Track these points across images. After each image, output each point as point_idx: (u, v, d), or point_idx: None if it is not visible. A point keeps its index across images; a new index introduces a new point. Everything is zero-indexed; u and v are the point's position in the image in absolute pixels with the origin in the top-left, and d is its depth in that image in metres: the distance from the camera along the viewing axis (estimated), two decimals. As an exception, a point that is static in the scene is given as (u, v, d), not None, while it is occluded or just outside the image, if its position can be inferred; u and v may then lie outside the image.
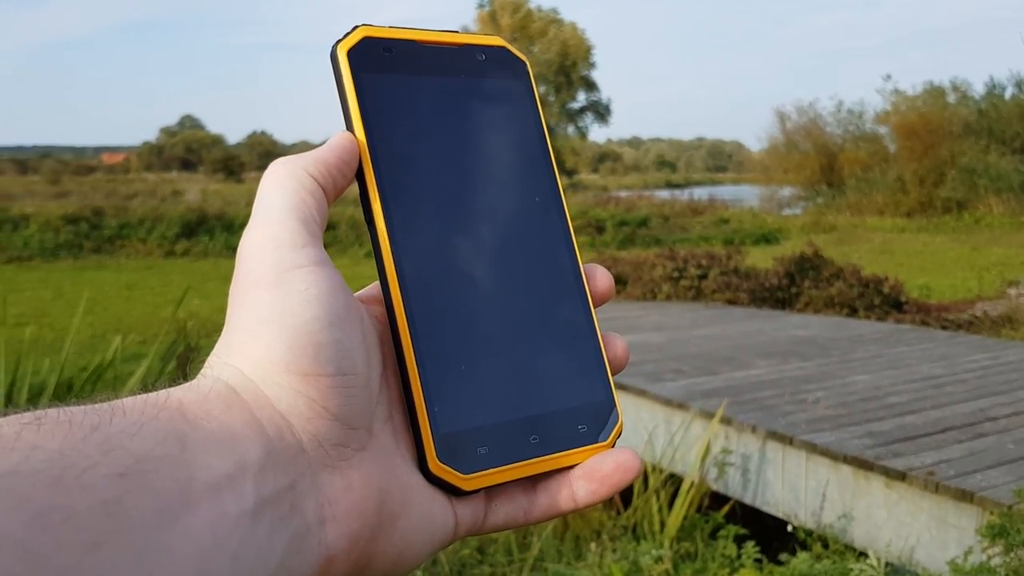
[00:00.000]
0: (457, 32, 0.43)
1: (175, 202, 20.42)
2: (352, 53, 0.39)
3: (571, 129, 40.48)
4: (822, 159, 27.10)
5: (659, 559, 3.13)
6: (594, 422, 0.41)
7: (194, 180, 36.12)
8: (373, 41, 0.40)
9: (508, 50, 0.43)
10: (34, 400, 5.00)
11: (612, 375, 0.43)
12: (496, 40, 0.44)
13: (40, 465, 0.26)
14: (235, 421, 0.32)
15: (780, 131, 29.77)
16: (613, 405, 0.42)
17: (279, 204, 0.37)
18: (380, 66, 0.40)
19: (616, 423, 0.42)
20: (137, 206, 18.91)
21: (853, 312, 7.95)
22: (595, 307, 0.43)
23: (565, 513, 0.41)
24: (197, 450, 0.30)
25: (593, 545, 3.39)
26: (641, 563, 3.12)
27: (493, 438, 0.38)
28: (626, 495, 3.98)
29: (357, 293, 0.41)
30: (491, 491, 0.39)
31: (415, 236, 0.39)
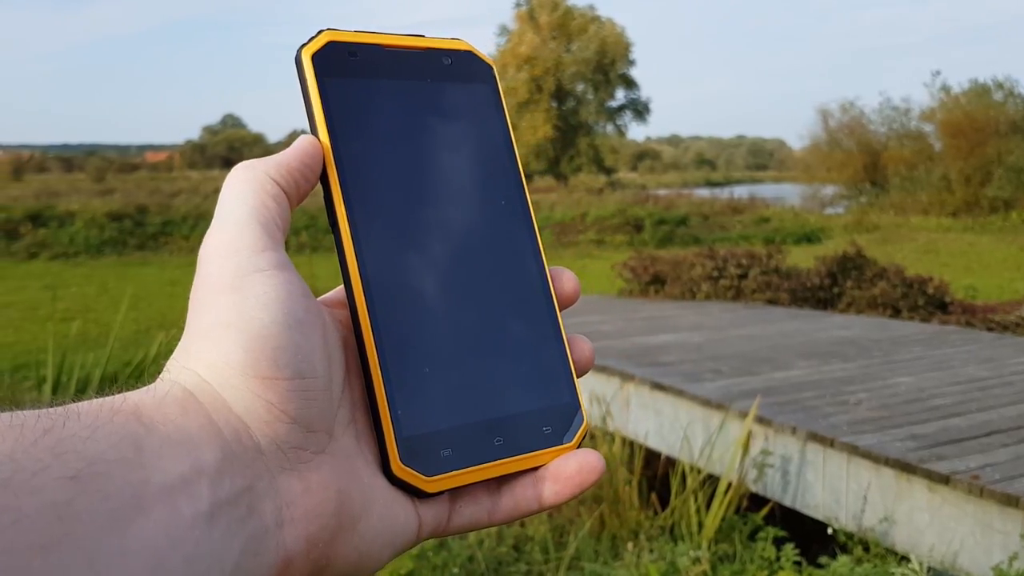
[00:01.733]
0: (424, 36, 0.43)
1: (217, 200, 20.63)
2: (316, 57, 0.39)
3: (609, 127, 40.31)
4: (865, 157, 26.75)
5: (697, 560, 3.11)
6: (559, 424, 0.41)
7: (236, 178, 36.35)
8: (338, 45, 0.40)
9: (474, 54, 0.44)
10: (80, 394, 5.10)
11: (577, 377, 0.43)
12: (463, 44, 0.44)
13: None
14: (191, 424, 0.32)
15: (823, 129, 29.45)
16: (578, 407, 0.42)
17: (240, 208, 0.37)
18: (345, 70, 0.40)
19: (581, 424, 0.42)
20: (180, 204, 19.19)
21: (896, 313, 7.83)
22: (561, 310, 0.44)
23: (530, 514, 0.41)
24: (152, 453, 0.30)
25: (630, 545, 3.38)
26: (679, 564, 3.10)
27: (456, 440, 0.38)
28: (664, 495, 3.96)
29: (321, 297, 0.41)
30: (455, 492, 0.39)
31: (379, 240, 0.39)
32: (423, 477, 0.37)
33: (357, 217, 0.38)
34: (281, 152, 0.39)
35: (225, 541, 0.31)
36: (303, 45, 0.39)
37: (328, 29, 0.40)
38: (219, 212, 0.38)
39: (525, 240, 0.43)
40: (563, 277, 0.45)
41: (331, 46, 0.40)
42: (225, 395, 0.34)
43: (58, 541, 0.26)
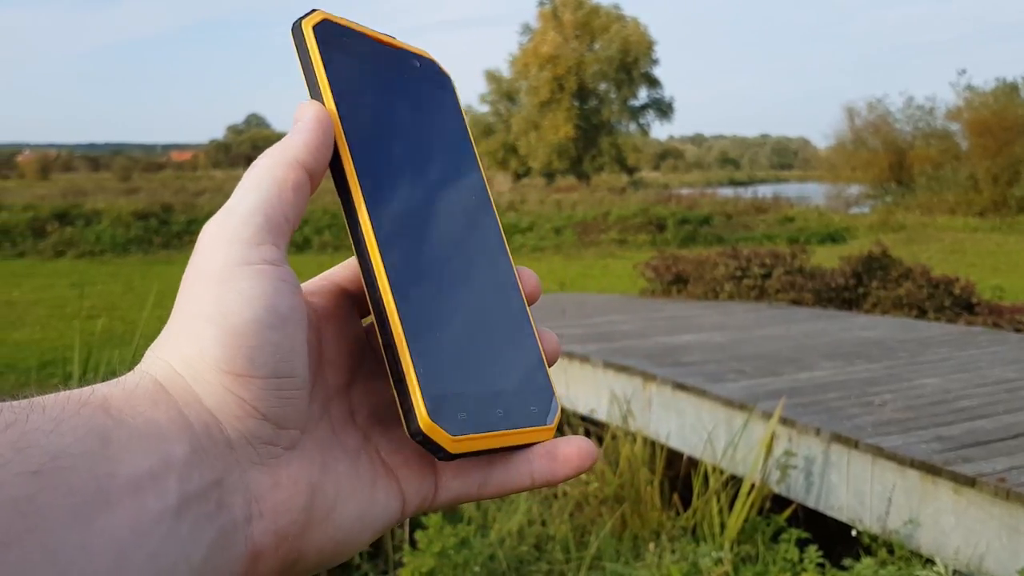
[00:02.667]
0: (394, 38, 0.44)
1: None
2: (316, 29, 0.40)
3: (632, 126, 40.21)
4: (891, 156, 26.55)
5: (719, 561, 3.10)
6: (541, 405, 0.42)
7: (260, 177, 36.64)
8: (332, 24, 0.41)
9: (437, 64, 0.46)
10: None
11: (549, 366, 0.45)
12: (426, 53, 0.45)
13: None
14: (161, 417, 0.32)
15: (848, 128, 29.27)
16: (553, 392, 0.43)
17: (251, 197, 0.36)
18: (339, 47, 0.40)
19: (557, 409, 0.43)
20: (204, 202, 19.34)
21: (922, 313, 7.76)
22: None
23: (520, 490, 0.41)
24: (120, 446, 0.30)
25: (652, 545, 3.37)
26: (701, 565, 3.09)
27: (470, 406, 0.38)
28: (686, 496, 3.95)
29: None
30: (441, 464, 0.40)
31: (387, 211, 0.39)
32: (448, 436, 0.37)
33: (366, 185, 0.39)
34: (300, 128, 0.38)
35: (193, 536, 0.31)
36: (301, 18, 0.40)
37: (321, 9, 0.41)
38: (231, 198, 0.37)
39: (496, 234, 0.45)
40: (523, 274, 0.46)
41: (326, 23, 0.40)
42: (197, 389, 0.33)
43: (19, 537, 0.26)
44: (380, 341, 0.38)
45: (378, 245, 0.38)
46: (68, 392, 0.31)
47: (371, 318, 0.40)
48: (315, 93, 0.39)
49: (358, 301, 0.43)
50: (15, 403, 0.30)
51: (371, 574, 3.43)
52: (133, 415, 0.31)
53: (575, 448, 0.41)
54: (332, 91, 0.39)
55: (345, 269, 0.43)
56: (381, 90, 0.42)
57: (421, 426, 0.36)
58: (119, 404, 0.31)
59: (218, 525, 0.32)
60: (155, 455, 0.30)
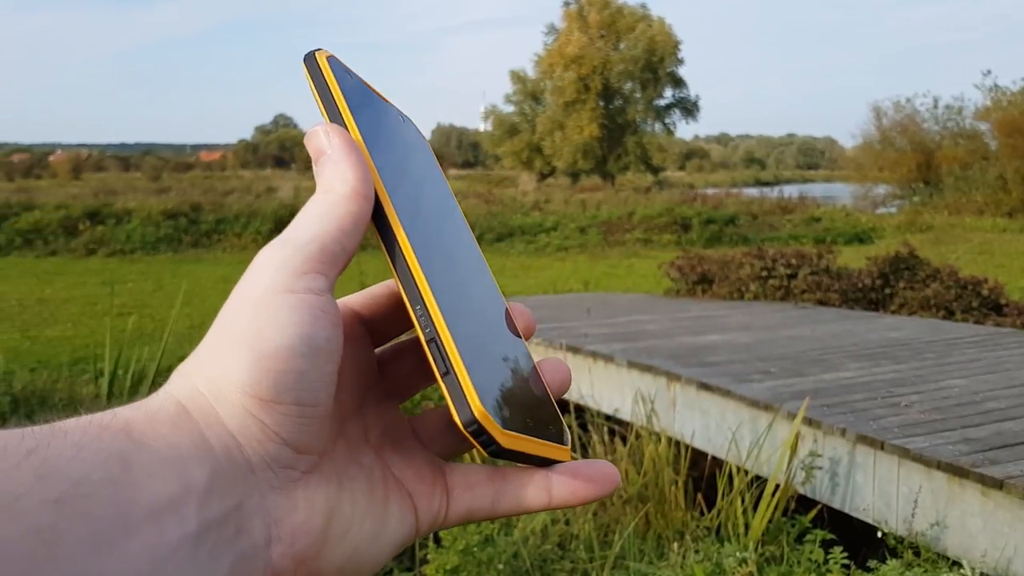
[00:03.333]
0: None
1: (269, 198, 20.99)
2: (330, 61, 0.41)
3: (657, 126, 40.07)
4: (919, 156, 26.28)
5: (743, 561, 3.10)
6: (556, 426, 0.42)
7: (287, 177, 36.98)
8: (337, 61, 0.42)
9: (412, 121, 0.48)
10: (136, 386, 5.22)
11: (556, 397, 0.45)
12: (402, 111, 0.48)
13: None
14: (183, 441, 0.32)
15: (875, 128, 29.00)
16: (560, 416, 0.43)
17: (312, 227, 0.36)
18: (345, 80, 0.42)
19: (568, 434, 0.43)
20: (233, 202, 19.50)
21: (950, 314, 7.69)
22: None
23: (536, 509, 0.40)
24: (141, 471, 0.30)
25: (676, 545, 3.37)
26: (724, 565, 3.09)
27: (508, 406, 0.39)
28: (710, 496, 3.94)
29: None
30: (452, 480, 0.40)
31: (412, 228, 0.40)
32: (500, 428, 0.37)
33: (398, 206, 0.40)
34: (340, 156, 0.38)
35: (212, 561, 0.31)
36: (312, 51, 0.42)
37: (325, 48, 0.43)
38: (290, 227, 0.37)
39: (481, 258, 0.46)
40: (516, 310, 0.45)
41: (334, 58, 0.42)
42: (220, 410, 0.33)
43: (40, 567, 0.26)
44: (423, 338, 0.38)
45: (415, 254, 0.39)
46: (90, 416, 0.31)
47: (382, 347, 0.41)
48: (334, 117, 0.40)
49: (370, 327, 0.43)
50: (37, 428, 0.30)
51: (396, 571, 3.46)
52: (155, 438, 0.31)
53: (598, 471, 0.40)
54: (352, 116, 0.40)
55: (361, 297, 0.43)
56: (380, 121, 0.43)
57: (475, 414, 0.36)
58: (141, 427, 0.31)
59: (237, 550, 0.32)
60: (176, 480, 0.30)
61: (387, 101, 0.46)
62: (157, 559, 0.29)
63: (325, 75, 0.41)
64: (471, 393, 0.37)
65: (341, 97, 0.40)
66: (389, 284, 0.43)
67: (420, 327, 0.39)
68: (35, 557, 0.26)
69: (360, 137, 0.40)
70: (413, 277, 0.39)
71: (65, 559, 0.27)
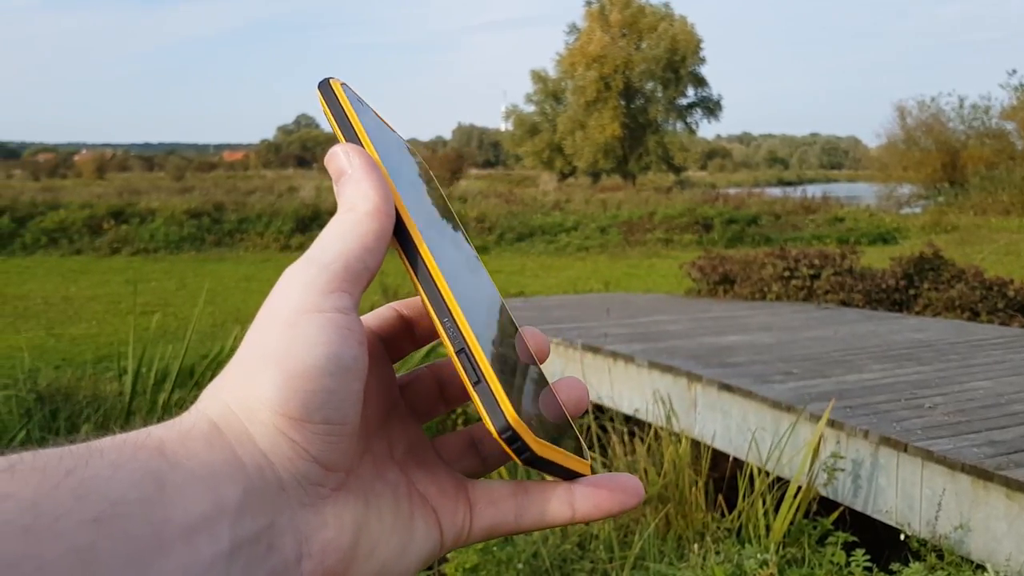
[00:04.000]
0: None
1: (291, 198, 21.09)
2: (343, 87, 0.42)
3: (679, 125, 39.93)
4: (944, 156, 26.04)
5: (764, 563, 3.08)
6: (575, 441, 0.42)
7: (309, 177, 37.13)
8: (349, 88, 0.43)
9: (404, 140, 0.49)
10: (159, 384, 5.26)
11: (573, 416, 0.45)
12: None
13: (11, 515, 0.27)
14: (216, 460, 0.32)
15: (899, 127, 28.75)
16: (576, 431, 0.43)
17: (335, 247, 0.37)
18: (357, 106, 0.42)
19: (587, 450, 0.43)
20: (255, 202, 19.63)
21: (975, 316, 7.61)
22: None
23: (560, 523, 0.40)
24: (175, 490, 0.30)
25: (696, 546, 3.36)
26: (745, 567, 3.07)
27: (535, 419, 0.39)
28: (731, 497, 3.92)
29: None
30: (475, 496, 0.41)
31: (433, 243, 0.41)
32: (532, 435, 0.37)
33: (416, 219, 0.41)
34: (361, 175, 0.39)
35: None
36: (326, 79, 0.42)
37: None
38: (314, 246, 0.38)
39: (487, 275, 0.47)
40: (528, 334, 0.45)
41: (346, 86, 0.43)
42: (251, 429, 0.34)
43: None
44: (451, 350, 0.39)
45: (440, 268, 0.40)
46: (124, 435, 0.32)
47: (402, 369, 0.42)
48: (351, 139, 0.41)
49: (389, 346, 0.44)
50: (74, 448, 0.30)
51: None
52: (188, 457, 0.32)
53: (621, 483, 0.40)
54: (369, 137, 0.41)
55: (375, 318, 0.44)
56: (391, 145, 0.44)
57: (510, 421, 0.36)
58: (174, 446, 0.32)
59: (269, 567, 0.32)
60: (209, 499, 0.31)
61: (393, 129, 0.47)
62: None
63: (340, 100, 0.41)
64: (504, 400, 0.37)
65: (357, 120, 0.41)
66: (393, 306, 0.44)
67: (449, 338, 0.39)
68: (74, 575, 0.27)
69: (378, 157, 0.41)
70: (439, 290, 0.39)
71: None
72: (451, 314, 0.39)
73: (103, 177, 39.28)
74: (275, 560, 0.33)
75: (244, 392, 0.34)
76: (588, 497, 0.40)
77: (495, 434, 0.37)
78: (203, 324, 7.24)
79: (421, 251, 0.40)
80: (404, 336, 0.44)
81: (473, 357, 0.38)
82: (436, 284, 0.39)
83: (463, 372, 0.38)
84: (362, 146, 0.40)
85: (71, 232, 17.47)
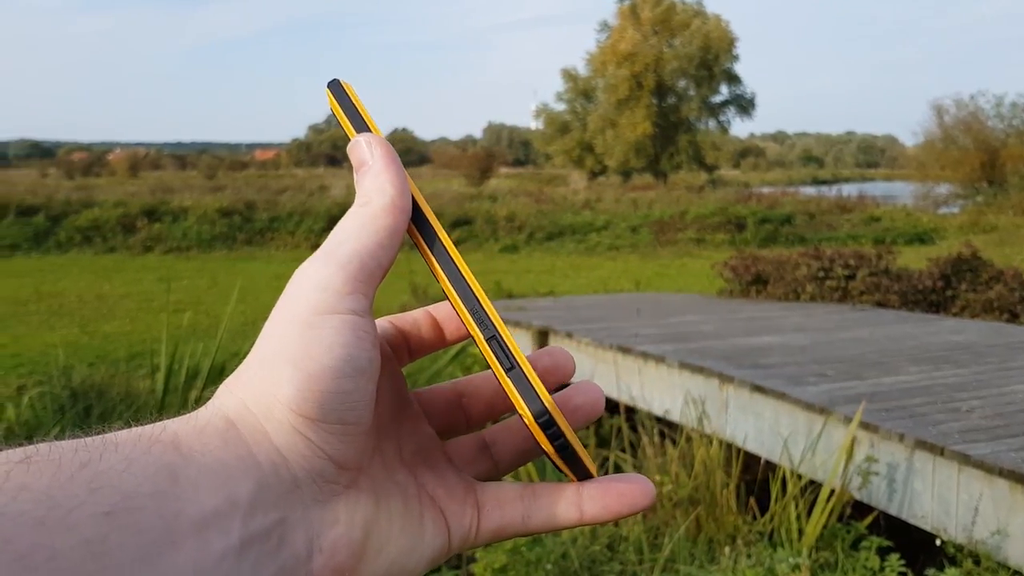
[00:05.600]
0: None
1: (321, 197, 21.25)
2: (350, 89, 0.43)
3: (712, 124, 39.68)
4: (983, 155, 25.68)
5: (796, 567, 3.04)
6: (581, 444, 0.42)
7: (340, 176, 37.38)
8: (353, 91, 0.43)
9: None
10: (191, 381, 5.30)
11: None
12: None
13: (26, 506, 0.27)
14: (230, 456, 0.33)
15: (937, 125, 28.40)
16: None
17: (349, 245, 0.37)
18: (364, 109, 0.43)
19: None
20: (286, 200, 19.78)
21: (1014, 317, 7.49)
22: (557, 385, 0.45)
23: (568, 526, 0.40)
24: (188, 484, 0.31)
25: (727, 549, 3.32)
26: (777, 570, 3.03)
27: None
28: (763, 500, 3.88)
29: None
30: (483, 498, 0.41)
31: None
32: (565, 421, 0.37)
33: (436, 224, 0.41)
34: (381, 167, 0.39)
35: (254, 573, 0.32)
36: (334, 79, 0.43)
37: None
38: (328, 242, 0.38)
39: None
40: (555, 352, 0.44)
41: (351, 88, 0.43)
42: (267, 427, 0.34)
43: None
44: (482, 338, 0.39)
45: (463, 263, 0.40)
46: (140, 429, 0.32)
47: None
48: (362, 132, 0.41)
49: (397, 350, 0.44)
50: (90, 440, 0.31)
51: (444, 568, 3.46)
52: (203, 452, 0.32)
53: (632, 484, 0.40)
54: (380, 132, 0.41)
55: (381, 323, 0.44)
56: None
57: (546, 405, 0.37)
58: (189, 441, 0.32)
59: (279, 562, 0.33)
60: (221, 494, 0.31)
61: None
62: (201, 570, 0.30)
63: (351, 96, 0.42)
64: (539, 385, 0.37)
65: (369, 116, 0.42)
66: (389, 318, 0.44)
67: (477, 326, 0.39)
68: (86, 567, 0.27)
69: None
70: (466, 280, 0.39)
71: (114, 570, 0.28)
72: (479, 302, 0.39)
73: (136, 176, 39.76)
74: (286, 555, 0.33)
75: (261, 390, 0.35)
76: (596, 499, 0.39)
77: (530, 419, 0.37)
78: (234, 322, 7.28)
79: (444, 242, 0.40)
80: (401, 348, 0.44)
81: (504, 343, 0.38)
82: (461, 273, 0.40)
83: (494, 359, 0.38)
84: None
85: (105, 230, 17.71)
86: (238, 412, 0.35)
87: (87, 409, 4.89)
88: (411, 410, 0.43)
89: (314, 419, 0.34)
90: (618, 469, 4.25)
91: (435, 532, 0.39)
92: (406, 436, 0.42)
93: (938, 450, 3.50)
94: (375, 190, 0.38)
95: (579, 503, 0.40)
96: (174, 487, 0.30)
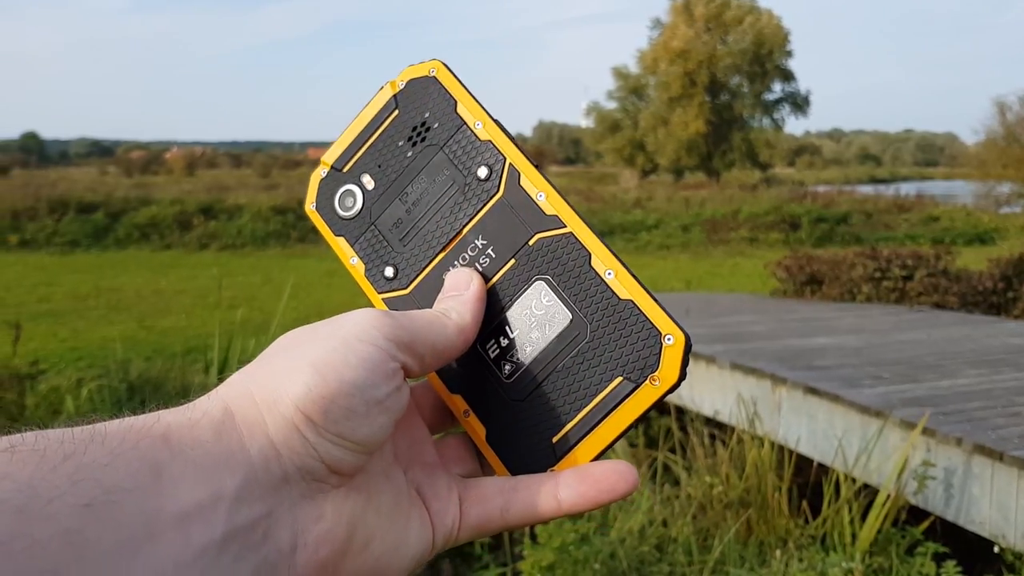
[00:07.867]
0: None
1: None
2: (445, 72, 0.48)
3: (766, 121, 39.17)
4: (1046, 153, 24.98)
5: (849, 572, 2.99)
6: None
7: (392, 173, 37.58)
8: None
9: None
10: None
11: None
12: None
13: (7, 495, 0.27)
14: (220, 449, 0.33)
15: (999, 123, 27.72)
16: None
17: (416, 324, 0.39)
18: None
19: None
20: (339, 198, 19.95)
21: (1079, 320, 7.28)
22: None
23: (547, 517, 0.40)
24: (172, 480, 0.31)
25: (778, 552, 3.28)
26: (829, 574, 2.99)
27: None
28: (815, 503, 3.82)
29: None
30: (465, 495, 0.42)
31: None
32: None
33: None
34: (472, 303, 0.43)
35: (234, 565, 0.32)
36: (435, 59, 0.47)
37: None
38: (406, 312, 0.41)
39: None
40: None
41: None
42: (267, 419, 0.35)
43: (67, 568, 0.27)
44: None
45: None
46: (132, 420, 0.33)
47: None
48: (475, 111, 0.46)
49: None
50: (77, 431, 0.31)
51: (492, 565, 3.47)
52: (193, 446, 0.33)
53: (610, 470, 0.40)
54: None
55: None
56: None
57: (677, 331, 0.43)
58: (179, 434, 0.33)
59: (262, 555, 0.33)
60: (207, 487, 0.32)
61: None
62: (181, 563, 0.30)
63: (459, 78, 0.46)
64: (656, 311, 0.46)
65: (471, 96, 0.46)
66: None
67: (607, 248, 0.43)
68: (63, 557, 0.27)
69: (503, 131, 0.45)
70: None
71: (91, 562, 0.28)
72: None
73: (192, 174, 40.41)
74: (269, 548, 0.33)
75: (273, 383, 0.35)
76: (572, 488, 0.40)
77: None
78: (287, 318, 7.37)
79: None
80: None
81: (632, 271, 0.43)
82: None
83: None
84: (489, 117, 0.45)
85: (162, 227, 18.04)
86: (239, 402, 0.35)
87: (143, 402, 4.99)
88: (408, 408, 0.44)
89: (316, 422, 0.35)
90: (667, 470, 4.22)
91: (421, 530, 0.40)
92: (401, 433, 0.42)
93: (997, 455, 3.42)
94: (457, 311, 0.41)
95: (555, 494, 0.40)
96: (156, 483, 0.31)
